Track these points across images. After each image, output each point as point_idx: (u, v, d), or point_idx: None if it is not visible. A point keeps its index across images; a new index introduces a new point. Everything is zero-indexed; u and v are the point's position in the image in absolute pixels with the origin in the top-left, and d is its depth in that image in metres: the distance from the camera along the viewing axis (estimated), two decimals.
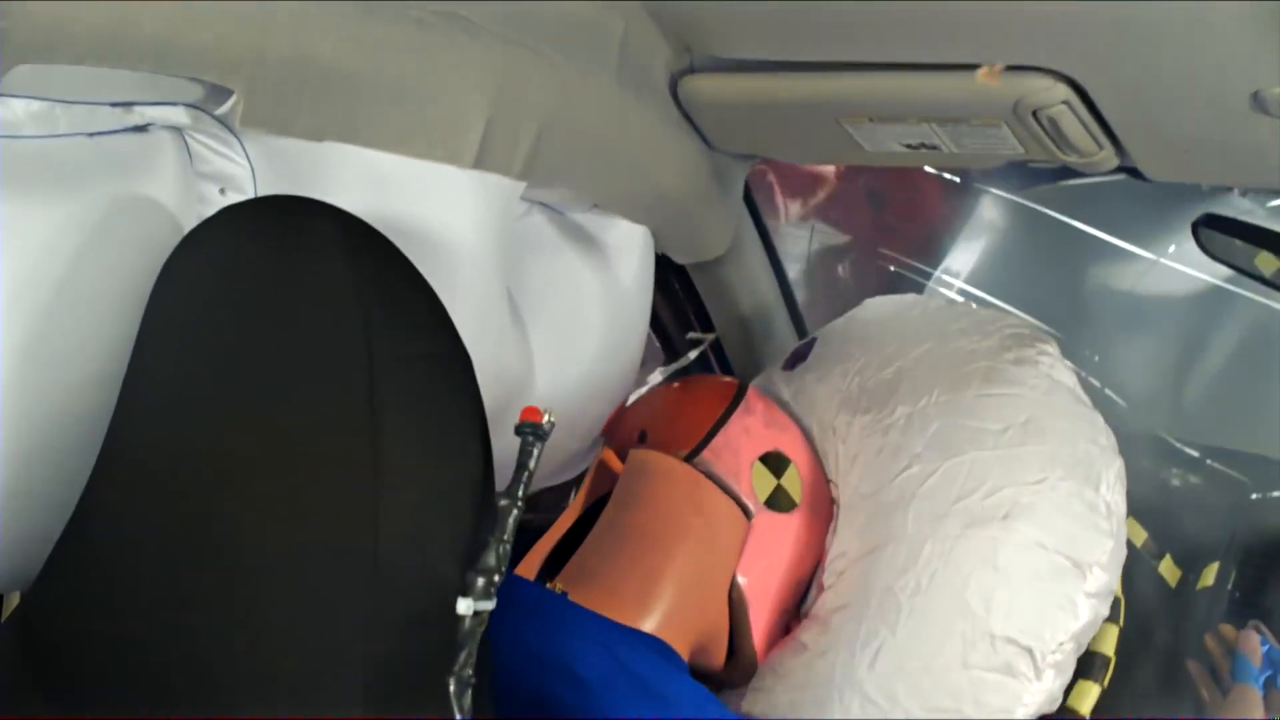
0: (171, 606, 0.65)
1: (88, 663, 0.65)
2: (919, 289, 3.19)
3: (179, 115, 0.84)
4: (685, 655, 1.07)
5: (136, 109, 0.82)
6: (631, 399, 1.38)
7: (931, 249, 3.30)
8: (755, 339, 1.59)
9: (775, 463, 1.14)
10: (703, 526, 1.10)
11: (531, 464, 0.75)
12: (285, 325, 0.72)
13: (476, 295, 1.02)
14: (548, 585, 1.07)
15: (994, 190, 3.20)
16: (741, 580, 1.10)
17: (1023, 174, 3.03)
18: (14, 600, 0.87)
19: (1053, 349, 1.14)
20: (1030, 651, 1.00)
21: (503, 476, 0.76)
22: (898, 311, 1.29)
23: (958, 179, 3.24)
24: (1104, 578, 1.02)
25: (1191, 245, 1.35)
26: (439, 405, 0.75)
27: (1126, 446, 1.10)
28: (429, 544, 0.70)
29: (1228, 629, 1.17)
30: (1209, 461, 2.05)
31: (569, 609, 1.03)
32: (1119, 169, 1.07)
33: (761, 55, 1.11)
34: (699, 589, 1.08)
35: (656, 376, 1.61)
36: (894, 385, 1.15)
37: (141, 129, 0.84)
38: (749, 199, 1.51)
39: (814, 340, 1.33)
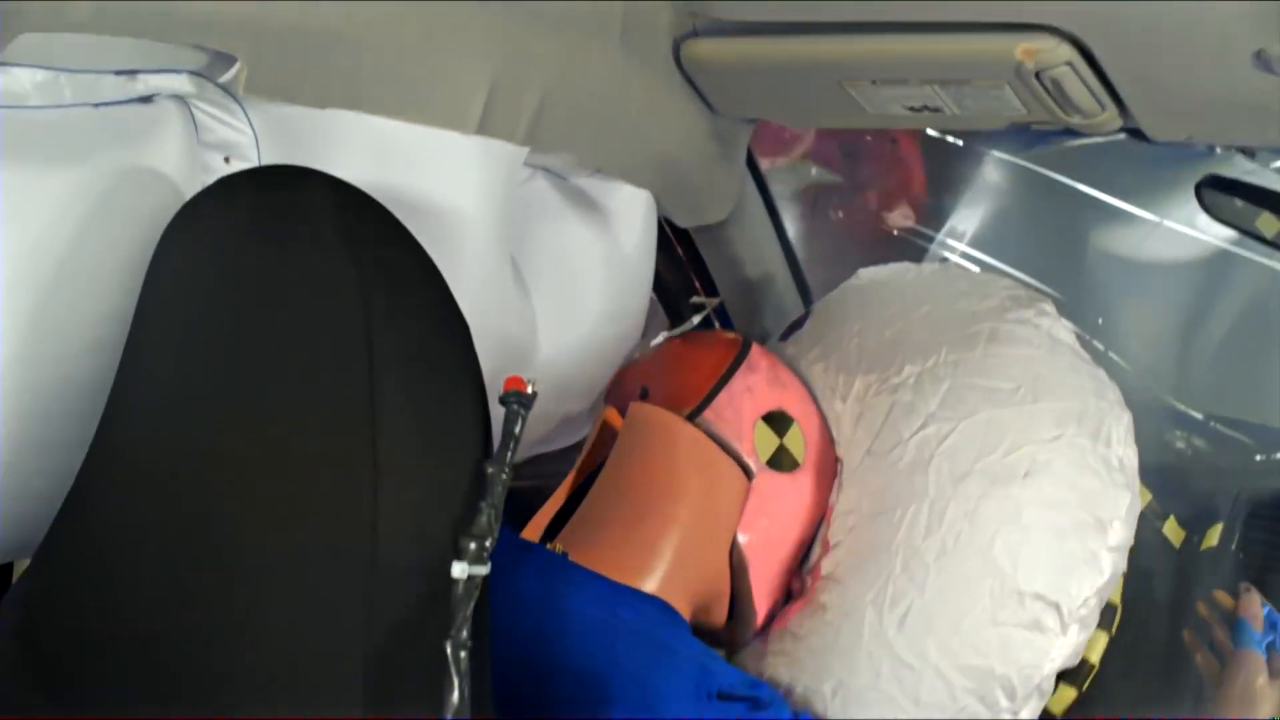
0: (172, 607, 0.65)
1: (88, 663, 0.65)
2: (921, 253, 3.19)
3: (183, 83, 0.84)
4: (687, 615, 1.08)
5: (140, 77, 0.82)
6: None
7: (918, 206, 3.32)
8: (759, 303, 1.60)
9: (778, 422, 1.14)
10: (703, 487, 1.10)
11: (517, 431, 0.76)
12: (281, 314, 0.71)
13: (480, 261, 1.02)
14: (548, 546, 1.07)
15: (996, 152, 3.19)
16: (742, 540, 1.11)
17: (1025, 136, 3.02)
18: (22, 567, 0.87)
19: (1050, 309, 1.15)
20: (1057, 606, 1.01)
21: None
22: (892, 278, 1.30)
23: (960, 142, 3.23)
24: (1124, 532, 1.04)
25: (1195, 207, 1.35)
26: (439, 397, 0.75)
27: (1131, 409, 1.10)
28: (429, 543, 0.70)
29: (1222, 595, 1.17)
30: (1213, 424, 2.06)
31: (570, 569, 1.03)
32: (1121, 129, 1.07)
33: (764, 17, 1.11)
34: (700, 549, 1.09)
35: (660, 341, 1.61)
36: (897, 346, 1.16)
37: (146, 99, 0.84)
38: (752, 163, 1.51)
39: (809, 312, 1.34)
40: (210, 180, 0.84)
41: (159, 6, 0.72)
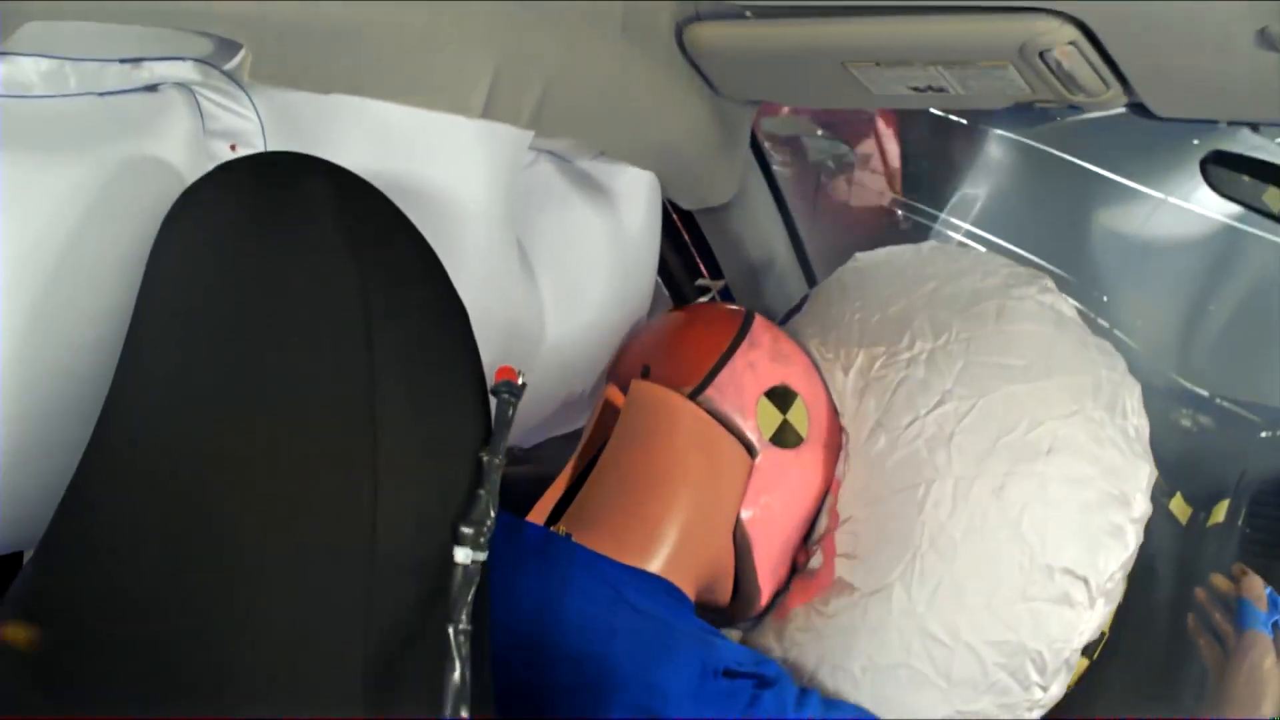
0: (172, 606, 0.65)
1: (88, 662, 0.65)
2: (925, 232, 3.18)
3: (187, 71, 0.84)
4: (691, 594, 1.08)
5: (145, 65, 0.82)
6: None
7: (893, 177, 3.33)
8: (763, 284, 1.60)
9: (781, 398, 1.14)
10: (706, 466, 1.10)
11: (509, 418, 0.77)
12: (281, 312, 0.71)
13: (486, 246, 1.02)
14: (551, 529, 1.07)
15: (1000, 130, 3.18)
16: (746, 517, 1.11)
17: (1029, 114, 3.01)
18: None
19: (1051, 285, 1.16)
20: (1086, 581, 1.02)
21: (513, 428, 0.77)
22: (889, 259, 1.30)
23: (964, 120, 3.22)
24: (1145, 504, 1.05)
25: (1200, 183, 1.34)
26: (439, 394, 0.75)
27: None
28: (429, 542, 0.70)
29: (1220, 579, 1.16)
30: (1218, 400, 2.06)
31: (574, 551, 1.03)
32: (1126, 105, 1.07)
33: (767, 0, 1.11)
34: (703, 529, 1.09)
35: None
36: (903, 322, 1.16)
37: (152, 88, 0.84)
38: (756, 145, 1.51)
39: (807, 296, 1.34)
40: None
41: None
